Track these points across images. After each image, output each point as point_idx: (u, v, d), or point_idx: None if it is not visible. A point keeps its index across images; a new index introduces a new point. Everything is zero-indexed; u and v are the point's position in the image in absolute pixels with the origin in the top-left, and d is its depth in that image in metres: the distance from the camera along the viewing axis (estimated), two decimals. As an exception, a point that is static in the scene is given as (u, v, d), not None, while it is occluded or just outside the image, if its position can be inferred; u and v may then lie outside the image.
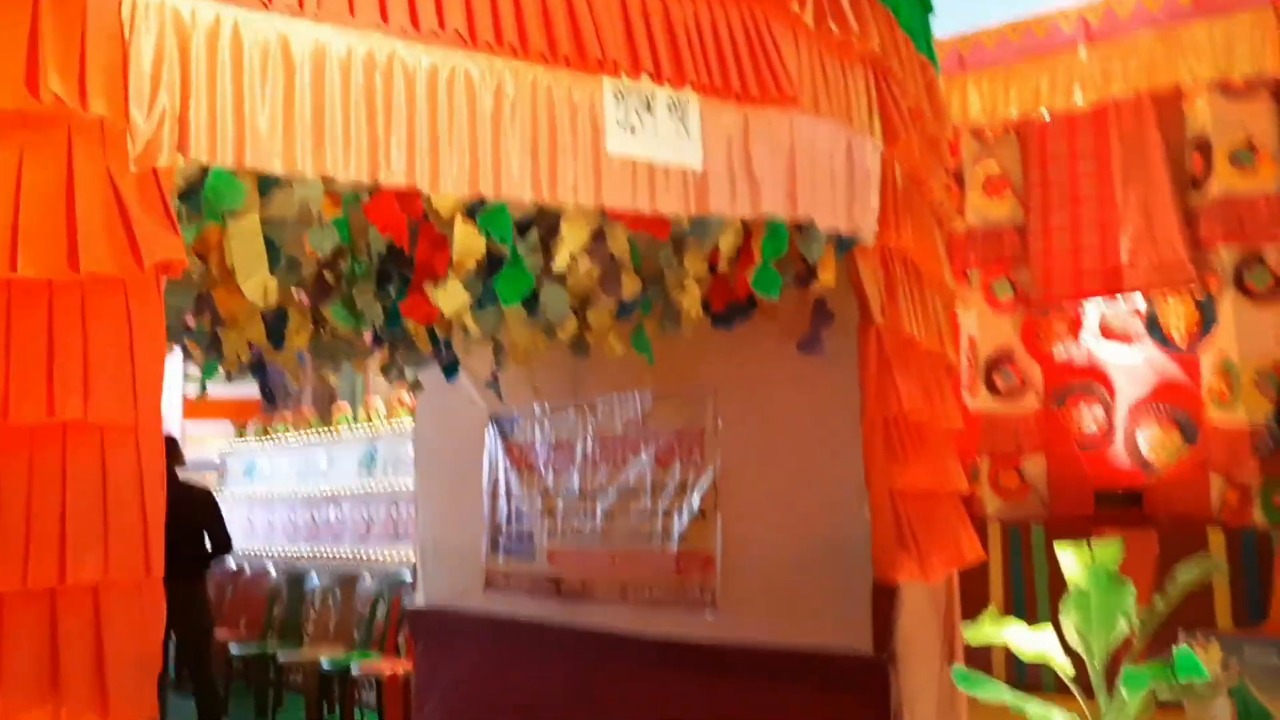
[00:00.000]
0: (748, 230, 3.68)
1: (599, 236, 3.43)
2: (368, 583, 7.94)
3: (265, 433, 11.04)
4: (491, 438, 5.77)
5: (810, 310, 4.08)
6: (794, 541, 4.19)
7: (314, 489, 9.42)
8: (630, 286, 3.79)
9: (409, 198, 3.05)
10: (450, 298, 3.46)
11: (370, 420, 9.29)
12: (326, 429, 9.99)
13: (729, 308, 4.22)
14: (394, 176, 2.45)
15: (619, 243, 3.56)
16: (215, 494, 6.73)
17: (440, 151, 2.51)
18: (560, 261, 3.25)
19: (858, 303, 3.82)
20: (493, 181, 2.59)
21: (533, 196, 2.67)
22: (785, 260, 3.75)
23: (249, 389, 12.16)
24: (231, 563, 9.67)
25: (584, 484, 5.17)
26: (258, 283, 2.93)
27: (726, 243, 3.72)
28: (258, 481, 10.68)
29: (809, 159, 3.28)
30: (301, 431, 10.44)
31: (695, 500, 4.61)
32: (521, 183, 2.63)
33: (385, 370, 5.20)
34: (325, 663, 7.07)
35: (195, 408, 11.56)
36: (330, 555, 8.55)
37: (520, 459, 5.56)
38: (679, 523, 4.67)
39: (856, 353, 3.84)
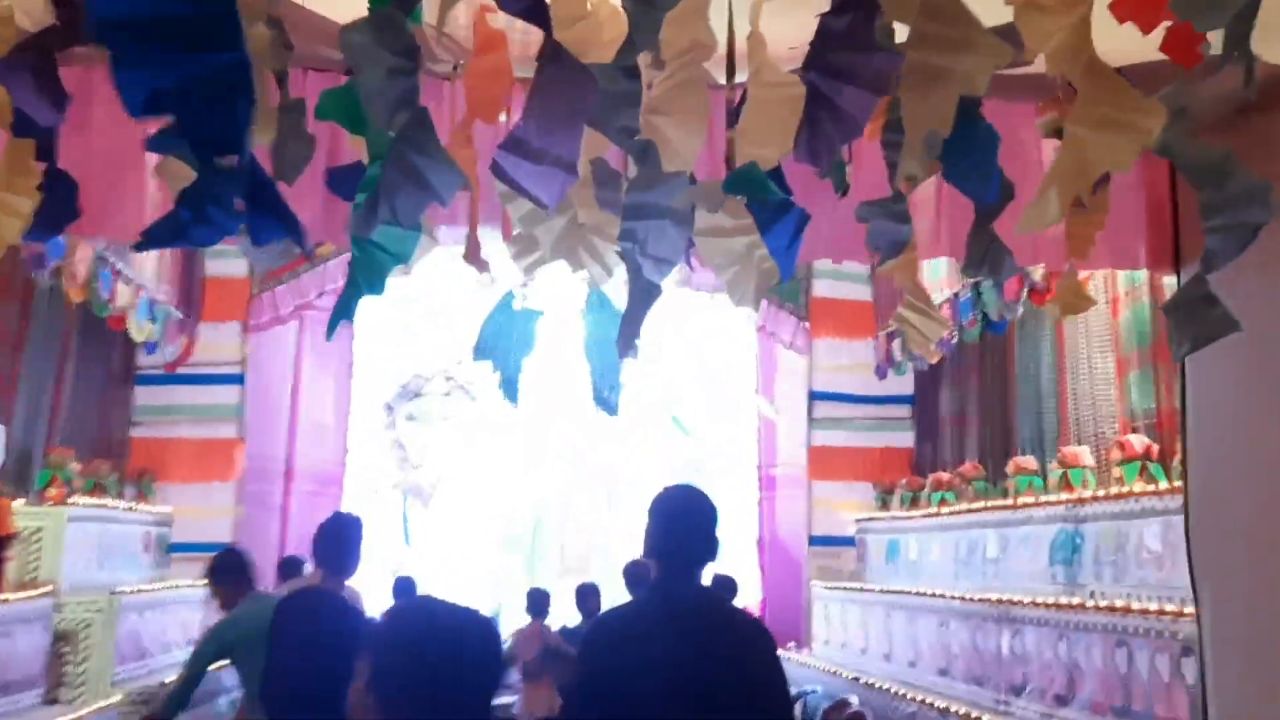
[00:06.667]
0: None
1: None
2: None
3: (914, 500, 7.51)
4: None
5: None
6: None
7: (977, 591, 5.63)
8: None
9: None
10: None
11: (1071, 484, 5.34)
12: (998, 494, 6.16)
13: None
14: None
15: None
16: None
17: None
18: None
19: None
20: None
21: None
22: None
23: (896, 434, 8.79)
24: (854, 699, 6.20)
25: None
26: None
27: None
28: (901, 570, 7.16)
29: None
30: (960, 498, 6.72)
31: None
32: None
33: None
34: None
35: (825, 463, 8.45)
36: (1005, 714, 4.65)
37: None
38: None
39: None
